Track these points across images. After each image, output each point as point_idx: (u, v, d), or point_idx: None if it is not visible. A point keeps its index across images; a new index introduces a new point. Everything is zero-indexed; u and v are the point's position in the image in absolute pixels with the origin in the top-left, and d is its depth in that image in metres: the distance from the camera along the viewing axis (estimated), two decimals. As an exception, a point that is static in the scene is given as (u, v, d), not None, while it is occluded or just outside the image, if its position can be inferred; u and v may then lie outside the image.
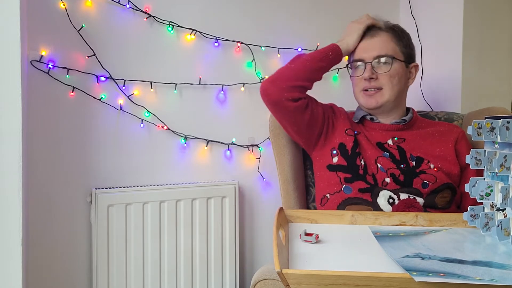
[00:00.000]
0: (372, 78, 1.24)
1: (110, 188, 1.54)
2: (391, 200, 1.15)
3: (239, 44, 1.72)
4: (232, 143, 1.74)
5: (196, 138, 1.68)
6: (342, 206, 1.18)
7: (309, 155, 1.36)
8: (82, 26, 1.49)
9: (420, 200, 1.15)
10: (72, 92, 1.50)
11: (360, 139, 1.26)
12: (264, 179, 1.80)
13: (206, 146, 1.70)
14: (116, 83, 1.55)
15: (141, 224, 1.54)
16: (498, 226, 0.83)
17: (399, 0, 2.01)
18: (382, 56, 1.24)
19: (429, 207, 1.15)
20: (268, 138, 1.73)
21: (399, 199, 1.15)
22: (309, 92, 1.29)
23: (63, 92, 1.49)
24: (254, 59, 1.74)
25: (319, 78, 1.29)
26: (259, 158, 1.78)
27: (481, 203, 0.95)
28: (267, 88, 1.23)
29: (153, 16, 1.59)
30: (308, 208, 1.42)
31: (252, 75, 1.75)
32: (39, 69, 1.45)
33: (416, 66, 1.33)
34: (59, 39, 1.47)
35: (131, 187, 1.57)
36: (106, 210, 1.49)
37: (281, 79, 1.23)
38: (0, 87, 1.12)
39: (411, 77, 1.32)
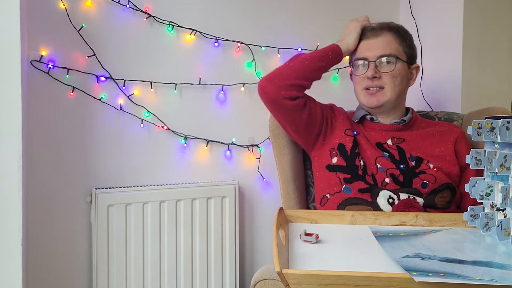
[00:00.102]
0: (375, 77, 1.24)
1: (110, 188, 1.54)
2: (391, 200, 1.15)
3: (239, 44, 1.72)
4: (232, 143, 1.74)
5: (196, 138, 1.68)
6: (342, 206, 1.18)
7: (308, 155, 1.36)
8: (82, 26, 1.49)
9: (420, 200, 1.15)
10: (72, 92, 1.50)
11: (360, 140, 1.26)
12: (264, 179, 1.80)
13: (206, 146, 1.70)
14: (116, 83, 1.55)
15: (141, 224, 1.54)
16: (498, 226, 0.83)
17: (399, 0, 2.01)
18: (386, 56, 1.24)
19: (429, 207, 1.16)
20: (268, 138, 1.73)
21: (399, 199, 1.15)
22: (309, 92, 1.29)
23: (63, 92, 1.49)
24: (254, 59, 1.74)
25: (318, 78, 1.29)
26: (259, 158, 1.78)
27: (481, 203, 0.95)
28: (265, 86, 1.23)
29: (153, 16, 1.59)
30: (308, 208, 1.42)
31: (252, 75, 1.75)
32: (39, 69, 1.45)
33: (417, 68, 1.33)
34: (59, 39, 1.47)
35: (131, 187, 1.57)
36: (106, 210, 1.49)
37: (279, 78, 1.23)
38: (0, 87, 1.12)
39: (412, 78, 1.32)
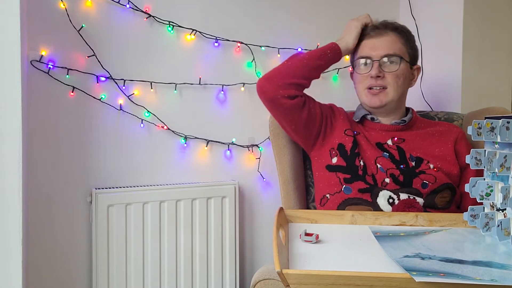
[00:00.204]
0: (379, 76, 1.23)
1: (110, 188, 1.54)
2: (391, 200, 1.15)
3: (239, 44, 1.72)
4: (232, 143, 1.74)
5: (196, 138, 1.68)
6: (342, 206, 1.18)
7: (308, 155, 1.36)
8: (82, 26, 1.49)
9: (420, 200, 1.15)
10: (72, 92, 1.50)
11: (360, 140, 1.26)
12: (264, 179, 1.80)
13: (206, 146, 1.70)
14: (116, 83, 1.55)
15: (141, 224, 1.54)
16: (498, 226, 0.83)
17: (399, 0, 2.01)
18: (391, 56, 1.24)
19: (429, 207, 1.15)
20: (268, 138, 1.73)
21: (399, 199, 1.15)
22: (309, 92, 1.29)
23: (63, 92, 1.49)
24: (254, 59, 1.74)
25: (317, 77, 1.28)
26: (259, 158, 1.78)
27: (481, 203, 0.95)
28: (263, 85, 1.23)
29: (153, 16, 1.59)
30: (308, 208, 1.42)
31: (252, 75, 1.75)
32: (39, 69, 1.45)
33: (419, 69, 1.33)
34: (59, 39, 1.47)
35: (131, 187, 1.57)
36: (106, 210, 1.49)
37: (278, 77, 1.22)
38: (0, 87, 1.12)
39: (413, 78, 1.32)
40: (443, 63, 1.79)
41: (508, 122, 0.83)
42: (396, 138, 1.26)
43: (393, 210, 1.14)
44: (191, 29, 1.64)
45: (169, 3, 1.62)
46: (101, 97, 1.54)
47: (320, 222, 1.03)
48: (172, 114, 1.64)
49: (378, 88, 1.24)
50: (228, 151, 1.74)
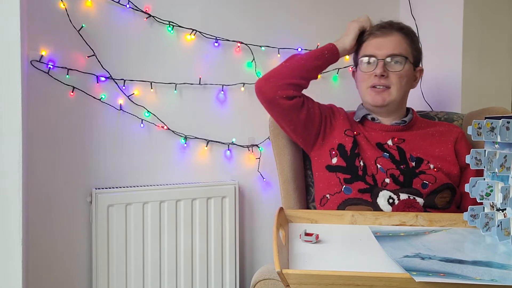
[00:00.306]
0: (383, 75, 1.23)
1: (110, 188, 1.54)
2: (391, 200, 1.15)
3: (239, 44, 1.72)
4: (232, 143, 1.74)
5: (196, 138, 1.68)
6: (342, 206, 1.18)
7: (308, 155, 1.36)
8: (82, 26, 1.49)
9: (420, 200, 1.15)
10: (72, 92, 1.50)
11: (360, 140, 1.26)
12: (264, 179, 1.80)
13: (206, 146, 1.70)
14: (116, 83, 1.55)
15: (141, 224, 1.54)
16: (498, 226, 0.83)
17: (399, 0, 2.01)
18: (396, 56, 1.24)
19: (429, 207, 1.15)
20: (268, 138, 1.73)
21: (399, 199, 1.15)
22: (309, 92, 1.29)
23: (63, 92, 1.49)
24: (254, 59, 1.74)
25: (315, 77, 1.29)
26: (259, 158, 1.78)
27: (481, 203, 0.95)
28: (262, 86, 1.23)
29: (153, 16, 1.59)
30: (308, 208, 1.42)
31: (252, 75, 1.75)
32: (39, 69, 1.45)
33: (421, 70, 1.33)
34: (59, 39, 1.47)
35: (131, 187, 1.57)
36: (106, 210, 1.49)
37: (276, 77, 1.23)
38: (0, 87, 1.12)
39: (415, 80, 1.32)
40: (443, 63, 1.79)
41: (508, 122, 0.83)
42: (396, 139, 1.26)
43: (393, 210, 1.14)
44: (191, 29, 1.64)
45: (169, 3, 1.62)
46: (101, 97, 1.54)
47: (320, 222, 1.03)
48: (172, 114, 1.64)
49: (381, 87, 1.24)
50: (228, 151, 1.74)
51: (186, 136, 1.67)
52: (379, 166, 1.20)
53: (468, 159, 0.91)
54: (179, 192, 1.60)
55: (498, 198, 0.89)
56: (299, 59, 1.25)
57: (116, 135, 1.57)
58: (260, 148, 1.78)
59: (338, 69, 1.87)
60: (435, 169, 1.20)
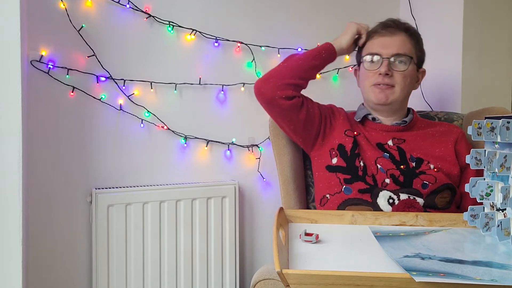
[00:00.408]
0: (388, 74, 1.23)
1: (110, 188, 1.54)
2: (391, 201, 1.15)
3: (239, 44, 1.72)
4: (232, 143, 1.74)
5: (196, 138, 1.68)
6: (342, 206, 1.18)
7: (308, 155, 1.36)
8: (82, 26, 1.49)
9: (420, 201, 1.15)
10: (72, 92, 1.50)
11: (360, 140, 1.26)
12: (264, 179, 1.80)
13: (206, 146, 1.70)
14: (116, 83, 1.55)
15: (141, 224, 1.54)
16: (498, 226, 0.83)
17: (399, 0, 2.00)
18: (401, 55, 1.24)
19: (429, 207, 1.15)
20: (268, 138, 1.73)
21: (399, 199, 1.15)
22: (309, 92, 1.29)
23: (63, 92, 1.49)
24: (254, 59, 1.74)
25: (314, 77, 1.29)
26: (259, 158, 1.78)
27: (481, 203, 0.95)
28: (261, 87, 1.24)
29: (153, 16, 1.59)
30: (308, 208, 1.42)
31: (252, 75, 1.75)
32: (39, 69, 1.45)
33: (424, 72, 1.33)
34: (59, 39, 1.47)
35: (131, 187, 1.57)
36: (106, 210, 1.49)
37: (275, 78, 1.23)
38: (0, 87, 1.12)
39: (417, 81, 1.32)
40: (443, 63, 1.79)
41: (508, 122, 0.83)
42: (396, 139, 1.26)
43: (393, 210, 1.14)
44: (191, 29, 1.64)
45: (169, 3, 1.62)
46: (101, 97, 1.54)
47: (320, 222, 1.03)
48: (172, 114, 1.64)
49: (385, 85, 1.24)
50: (228, 151, 1.74)
51: (186, 136, 1.67)
52: (379, 166, 1.20)
53: (468, 159, 0.91)
54: (179, 192, 1.60)
55: (498, 198, 0.89)
56: (297, 59, 1.26)
57: (116, 135, 1.57)
58: (260, 148, 1.78)
59: (338, 69, 1.87)
60: (435, 169, 1.20)
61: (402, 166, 1.20)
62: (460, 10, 1.72)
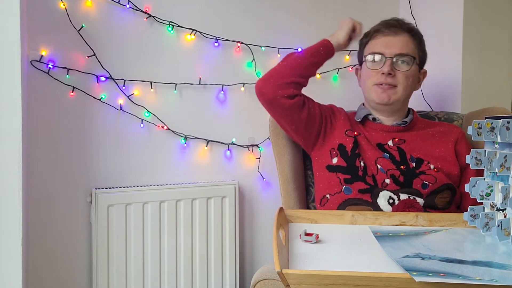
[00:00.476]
0: (390, 73, 1.23)
1: (110, 188, 1.54)
2: (391, 201, 1.15)
3: (239, 44, 1.72)
4: (232, 143, 1.74)
5: (196, 138, 1.68)
6: (342, 206, 1.18)
7: (309, 155, 1.36)
8: (82, 26, 1.49)
9: (420, 201, 1.15)
10: (72, 92, 1.50)
11: (360, 140, 1.26)
12: (264, 179, 1.80)
13: (206, 146, 1.70)
14: (116, 83, 1.55)
15: (141, 224, 1.54)
16: (498, 226, 0.83)
17: (399, 0, 2.00)
18: (404, 55, 1.24)
19: (429, 207, 1.15)
20: (268, 138, 1.73)
21: (399, 199, 1.15)
22: (309, 92, 1.29)
23: (63, 92, 1.49)
24: (254, 59, 1.74)
25: (313, 74, 1.29)
26: (259, 158, 1.78)
27: (481, 203, 0.95)
28: (262, 87, 1.24)
29: (153, 16, 1.59)
30: (308, 208, 1.42)
31: (252, 75, 1.75)
32: (39, 69, 1.45)
33: (425, 73, 1.34)
34: (59, 39, 1.47)
35: (131, 187, 1.57)
36: (106, 210, 1.49)
37: (275, 77, 1.23)
38: (0, 87, 1.12)
39: (419, 82, 1.32)
40: (443, 63, 1.79)
41: (508, 122, 0.83)
42: (396, 139, 1.26)
43: (393, 210, 1.14)
44: (191, 29, 1.64)
45: (169, 3, 1.62)
46: (101, 97, 1.54)
47: (320, 222, 1.03)
48: (172, 114, 1.64)
49: (387, 85, 1.24)
50: (228, 151, 1.74)
51: (186, 136, 1.67)
52: (379, 166, 1.20)
53: (468, 159, 0.91)
54: (179, 192, 1.60)
55: (498, 198, 0.89)
56: (296, 58, 1.26)
57: (116, 135, 1.57)
58: (260, 148, 1.78)
59: (338, 69, 1.87)
60: (435, 170, 1.20)
61: (402, 167, 1.20)
62: (460, 10, 1.72)
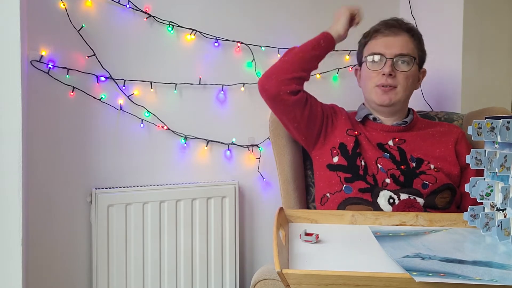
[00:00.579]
0: (391, 74, 1.23)
1: (110, 188, 1.54)
2: (391, 200, 1.15)
3: (239, 44, 1.72)
4: (232, 143, 1.74)
5: (196, 138, 1.68)
6: (342, 205, 1.18)
7: (309, 154, 1.36)
8: (82, 26, 1.49)
9: (420, 201, 1.15)
10: (72, 92, 1.50)
11: (361, 140, 1.26)
12: (264, 179, 1.80)
13: (206, 146, 1.70)
14: (116, 83, 1.55)
15: (141, 224, 1.54)
16: (498, 226, 0.83)
17: (399, 0, 2.00)
18: (404, 56, 1.24)
19: (429, 207, 1.16)
20: (268, 138, 1.73)
21: (399, 199, 1.15)
22: (309, 92, 1.29)
23: (63, 92, 1.49)
24: (254, 59, 1.74)
25: (316, 67, 1.28)
26: (259, 158, 1.78)
27: (481, 203, 0.95)
28: (264, 84, 1.23)
29: (153, 16, 1.59)
30: (308, 208, 1.42)
31: (252, 75, 1.75)
32: (39, 69, 1.45)
33: (424, 72, 1.33)
34: (59, 39, 1.47)
35: (131, 187, 1.57)
36: (106, 210, 1.49)
37: (277, 73, 1.23)
38: (0, 87, 1.12)
39: (418, 81, 1.32)
40: (443, 63, 1.79)
41: (508, 122, 0.83)
42: (397, 139, 1.26)
43: (393, 210, 1.14)
44: (191, 29, 1.64)
45: (169, 3, 1.62)
46: (101, 97, 1.54)
47: (320, 222, 1.03)
48: (172, 114, 1.64)
49: (388, 86, 1.24)
50: (228, 151, 1.74)
51: (186, 136, 1.67)
52: (379, 166, 1.20)
53: (468, 159, 0.91)
54: (179, 192, 1.60)
55: (498, 198, 0.89)
56: (297, 52, 1.26)
57: (116, 135, 1.57)
58: (260, 148, 1.78)
59: (338, 69, 1.87)
60: (436, 170, 1.20)
61: (402, 166, 1.20)
62: (460, 10, 1.72)
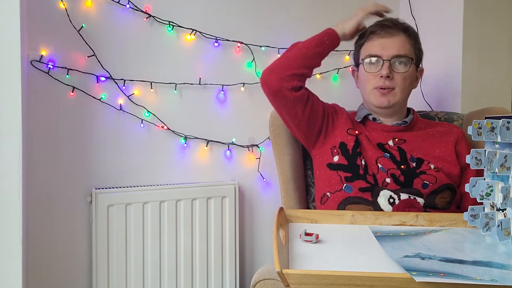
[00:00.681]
0: (389, 76, 1.22)
1: (110, 188, 1.54)
2: (391, 200, 1.15)
3: (239, 44, 1.72)
4: (232, 143, 1.74)
5: (196, 138, 1.68)
6: (342, 205, 1.18)
7: (309, 152, 1.36)
8: (82, 26, 1.49)
9: (420, 200, 1.15)
10: (72, 92, 1.50)
11: (361, 139, 1.26)
12: (264, 179, 1.80)
13: (206, 146, 1.70)
14: (116, 83, 1.55)
15: (141, 224, 1.54)
16: (498, 226, 0.83)
17: (399, 0, 2.00)
18: (402, 57, 1.23)
19: (429, 207, 1.15)
20: (268, 138, 1.73)
21: (399, 199, 1.15)
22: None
23: (63, 92, 1.49)
24: (254, 59, 1.74)
25: (318, 65, 1.28)
26: (259, 158, 1.78)
27: (481, 203, 0.95)
28: (266, 78, 1.23)
29: (153, 16, 1.59)
30: (308, 208, 1.42)
31: (252, 75, 1.75)
32: (39, 69, 1.45)
33: (422, 71, 1.33)
34: (59, 39, 1.47)
35: (131, 187, 1.57)
36: (106, 210, 1.49)
37: (279, 69, 1.22)
38: (0, 87, 1.12)
39: (416, 80, 1.32)
40: (443, 63, 1.79)
41: (508, 122, 0.83)
42: (397, 139, 1.26)
43: (393, 210, 1.14)
44: (191, 29, 1.64)
45: (169, 3, 1.62)
46: (101, 97, 1.54)
47: (320, 222, 1.03)
48: (172, 114, 1.64)
49: (386, 89, 1.24)
50: (228, 151, 1.74)
51: (186, 136, 1.67)
52: (380, 165, 1.20)
53: (468, 159, 0.91)
54: (179, 192, 1.60)
55: (498, 198, 0.89)
56: (300, 48, 1.25)
57: (116, 135, 1.57)
58: (260, 148, 1.78)
59: (338, 69, 1.87)
60: (436, 170, 1.20)
61: (402, 166, 1.20)
62: (460, 10, 1.72)
